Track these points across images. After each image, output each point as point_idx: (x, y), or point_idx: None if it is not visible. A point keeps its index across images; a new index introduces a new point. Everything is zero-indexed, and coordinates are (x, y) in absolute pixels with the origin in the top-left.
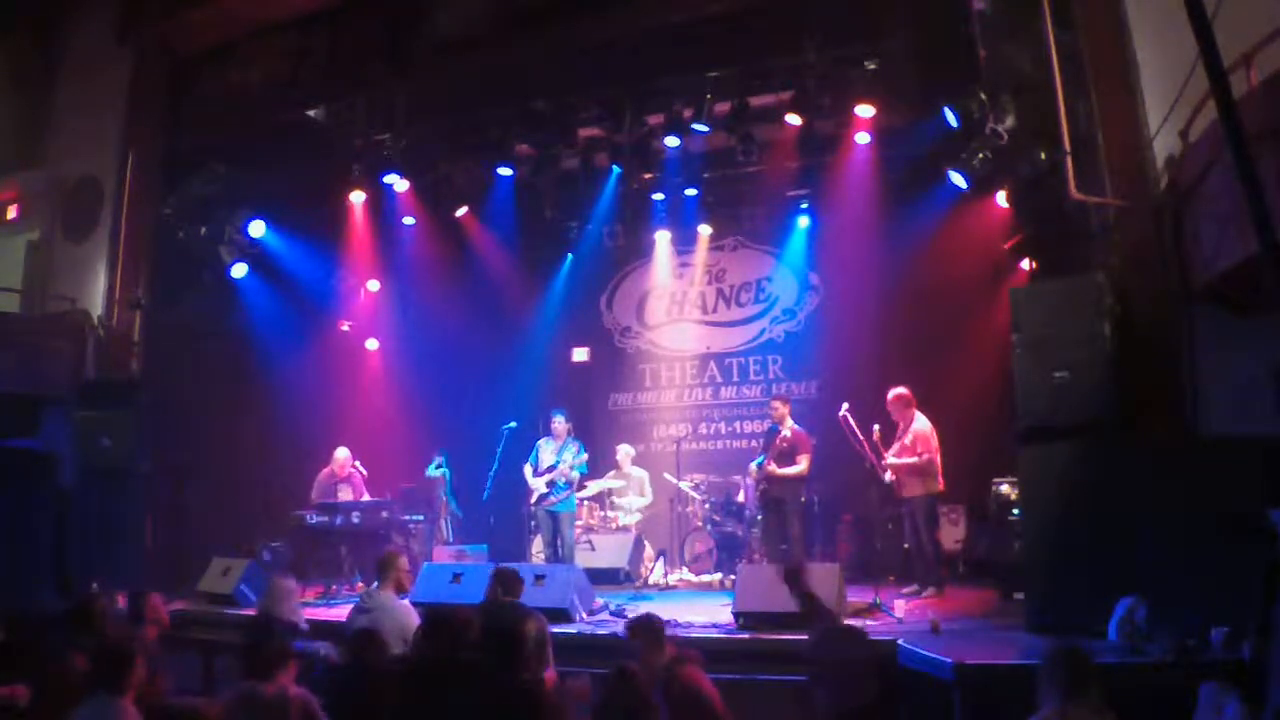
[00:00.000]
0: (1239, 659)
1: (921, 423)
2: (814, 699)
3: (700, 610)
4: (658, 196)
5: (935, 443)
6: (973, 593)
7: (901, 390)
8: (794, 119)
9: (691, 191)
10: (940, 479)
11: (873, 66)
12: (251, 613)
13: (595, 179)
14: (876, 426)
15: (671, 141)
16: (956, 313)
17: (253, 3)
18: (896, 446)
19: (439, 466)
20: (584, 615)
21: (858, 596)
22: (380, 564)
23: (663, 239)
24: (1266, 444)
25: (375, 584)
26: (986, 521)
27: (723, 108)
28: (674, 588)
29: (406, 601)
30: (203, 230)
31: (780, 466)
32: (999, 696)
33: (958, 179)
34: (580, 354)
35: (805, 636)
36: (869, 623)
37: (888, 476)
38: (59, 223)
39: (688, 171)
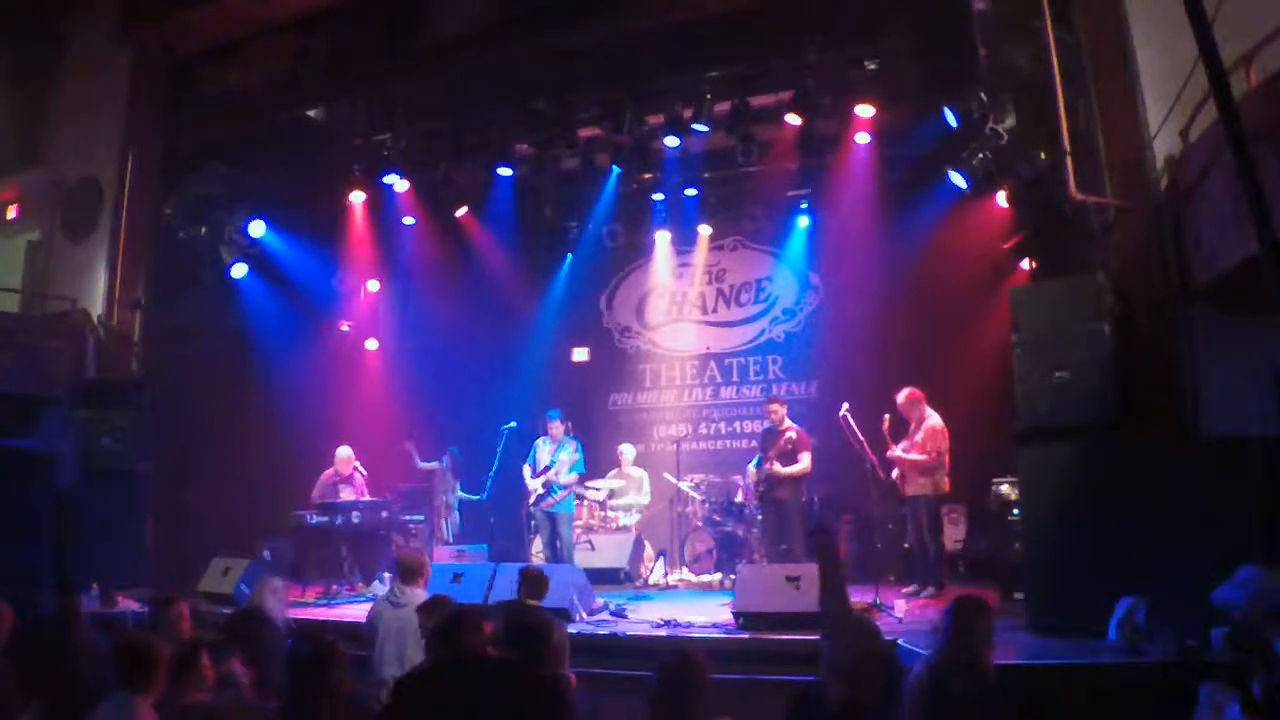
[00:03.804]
0: (1248, 692)
1: (934, 420)
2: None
3: (700, 610)
4: (658, 196)
5: (946, 442)
6: (973, 593)
7: (912, 390)
8: (794, 119)
9: (691, 191)
10: (947, 480)
11: (873, 66)
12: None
13: (595, 179)
14: (887, 416)
15: (671, 141)
16: (956, 313)
17: (253, 3)
18: (906, 443)
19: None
20: (584, 615)
21: (858, 596)
22: (410, 564)
23: (663, 239)
24: (1266, 444)
25: (400, 582)
26: (986, 521)
27: (723, 108)
28: (674, 588)
29: None
30: (203, 230)
31: (784, 466)
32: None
33: (958, 179)
34: (580, 354)
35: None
36: None
37: (894, 473)
38: (59, 223)
39: (688, 171)
